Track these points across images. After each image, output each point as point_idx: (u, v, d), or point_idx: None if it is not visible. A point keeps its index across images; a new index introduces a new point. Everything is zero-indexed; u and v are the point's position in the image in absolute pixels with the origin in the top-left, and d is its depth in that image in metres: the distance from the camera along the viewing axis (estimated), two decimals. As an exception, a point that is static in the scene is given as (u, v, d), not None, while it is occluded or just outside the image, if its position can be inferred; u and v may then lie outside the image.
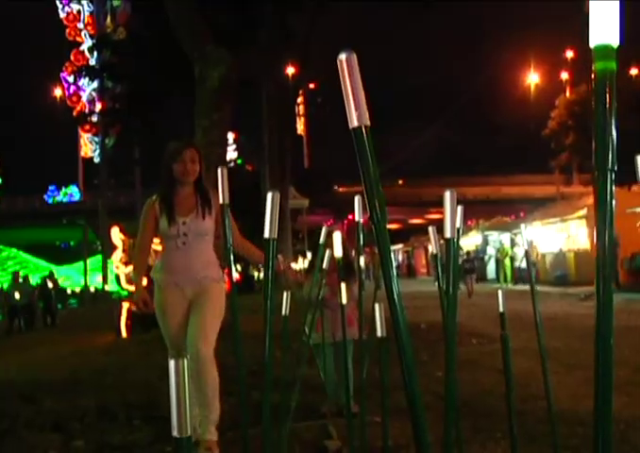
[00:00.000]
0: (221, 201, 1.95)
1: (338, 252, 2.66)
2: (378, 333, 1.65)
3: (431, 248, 1.71)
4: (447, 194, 1.26)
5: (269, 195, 1.39)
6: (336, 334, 4.55)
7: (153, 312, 4.30)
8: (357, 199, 2.18)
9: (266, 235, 1.35)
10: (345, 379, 2.87)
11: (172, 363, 0.72)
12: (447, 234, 1.15)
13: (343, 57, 0.72)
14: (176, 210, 4.22)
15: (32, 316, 21.08)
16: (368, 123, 0.70)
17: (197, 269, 4.21)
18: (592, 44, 0.70)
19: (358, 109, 0.70)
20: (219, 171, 1.99)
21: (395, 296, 0.76)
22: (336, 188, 47.59)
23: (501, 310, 1.97)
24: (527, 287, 18.34)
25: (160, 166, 4.40)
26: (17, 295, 20.11)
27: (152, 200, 4.33)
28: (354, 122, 0.70)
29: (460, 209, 1.46)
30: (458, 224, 1.41)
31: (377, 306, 1.67)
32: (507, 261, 27.18)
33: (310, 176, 42.08)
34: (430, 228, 1.76)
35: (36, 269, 54.68)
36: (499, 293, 2.07)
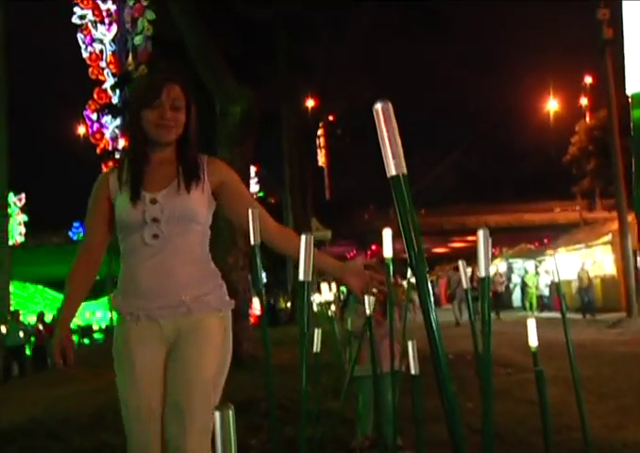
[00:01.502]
0: (252, 242, 1.92)
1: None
2: (412, 370, 1.65)
3: (463, 282, 1.72)
4: (481, 234, 1.26)
5: (303, 238, 1.39)
6: (381, 366, 4.54)
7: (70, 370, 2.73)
8: (386, 233, 2.16)
9: (301, 277, 1.34)
10: (382, 412, 2.85)
11: (217, 415, 0.70)
12: (482, 273, 1.15)
13: (378, 106, 0.73)
14: (142, 182, 2.57)
15: (22, 359, 18.97)
16: (405, 171, 0.72)
17: (182, 284, 2.53)
18: (629, 92, 0.72)
19: (395, 157, 0.71)
20: (250, 212, 1.97)
21: (435, 332, 0.77)
22: (367, 216, 47.62)
23: (534, 344, 1.95)
24: (552, 314, 18.28)
25: (127, 120, 2.90)
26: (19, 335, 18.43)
27: (106, 172, 2.72)
28: (392, 170, 0.72)
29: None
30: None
31: (409, 343, 1.67)
32: (534, 289, 26.97)
33: (331, 208, 42.18)
34: (460, 262, 1.77)
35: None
36: (530, 323, 2.06)
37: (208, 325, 2.54)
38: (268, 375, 1.78)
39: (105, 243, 2.73)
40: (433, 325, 0.75)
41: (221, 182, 2.64)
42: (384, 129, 0.72)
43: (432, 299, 0.75)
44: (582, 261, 23.67)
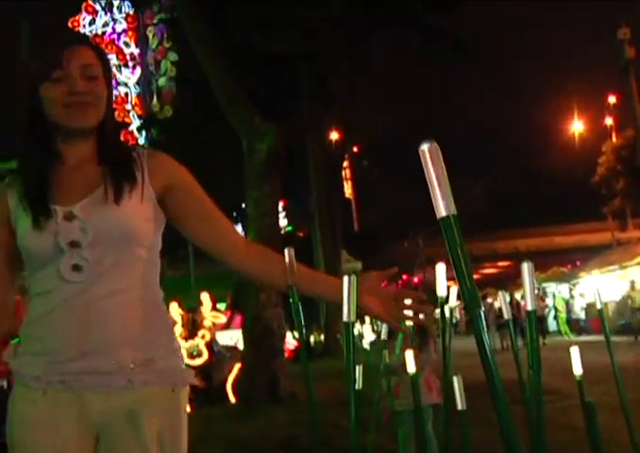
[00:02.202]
0: (289, 282, 1.74)
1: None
2: (459, 406, 1.64)
3: (504, 313, 1.71)
4: (525, 267, 1.24)
5: (345, 279, 1.33)
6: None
7: None
8: (439, 268, 2.04)
9: (345, 319, 1.24)
10: (424, 446, 2.83)
11: None
12: (529, 306, 1.15)
13: (425, 147, 0.74)
14: (51, 191, 1.73)
15: None
16: (455, 212, 0.73)
17: (121, 339, 1.70)
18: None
19: (445, 198, 0.72)
20: (286, 252, 1.78)
21: (492, 365, 0.76)
22: (406, 245, 47.48)
23: (578, 372, 1.92)
24: (590, 337, 17.99)
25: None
26: None
27: (3, 185, 1.85)
28: (442, 212, 0.73)
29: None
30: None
31: (455, 379, 1.65)
32: (563, 313, 26.65)
33: (361, 239, 42.17)
34: (500, 293, 1.77)
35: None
36: (573, 351, 2.03)
37: (159, 408, 1.70)
38: (312, 413, 1.77)
39: (9, 286, 1.83)
40: (489, 357, 0.75)
41: (168, 185, 1.81)
42: (432, 171, 0.73)
43: (486, 332, 0.75)
44: (632, 280, 23.06)
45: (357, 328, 12.69)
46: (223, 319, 13.85)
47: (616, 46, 20.72)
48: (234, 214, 27.53)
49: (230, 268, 1.92)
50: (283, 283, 1.86)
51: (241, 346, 12.52)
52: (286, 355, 11.85)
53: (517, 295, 22.75)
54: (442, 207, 0.73)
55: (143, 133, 34.35)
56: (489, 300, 22.54)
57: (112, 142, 1.83)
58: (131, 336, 1.69)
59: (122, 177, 1.75)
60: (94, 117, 1.75)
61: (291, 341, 19.23)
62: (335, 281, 1.81)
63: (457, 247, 0.72)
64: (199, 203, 1.88)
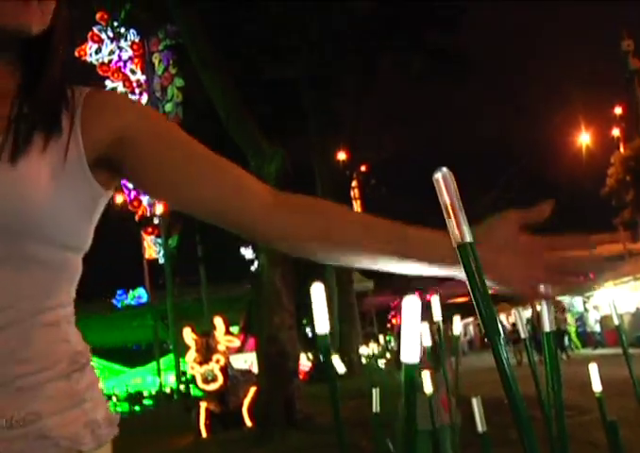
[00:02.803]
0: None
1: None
2: (479, 428, 1.62)
3: (521, 331, 1.71)
4: (541, 287, 1.24)
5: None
6: (435, 419, 4.43)
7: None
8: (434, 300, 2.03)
9: (405, 355, 0.94)
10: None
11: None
12: (546, 328, 1.14)
13: (438, 176, 0.73)
14: None
15: None
16: (472, 239, 0.73)
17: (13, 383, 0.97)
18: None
19: (460, 226, 0.72)
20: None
21: (513, 387, 0.76)
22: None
23: (598, 389, 1.90)
24: (606, 351, 17.86)
25: None
26: None
27: None
28: (458, 239, 0.73)
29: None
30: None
31: (474, 400, 1.64)
32: (573, 327, 26.51)
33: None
34: (514, 311, 1.76)
35: (111, 373, 55.54)
36: (592, 367, 2.01)
37: None
38: (340, 434, 1.76)
39: None
40: (510, 381, 0.75)
41: (115, 135, 1.07)
42: (447, 199, 0.73)
43: (508, 356, 0.75)
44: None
45: (371, 348, 12.64)
46: (237, 343, 13.85)
47: (621, 57, 20.78)
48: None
49: (258, 240, 1.19)
50: (370, 250, 1.12)
51: (255, 370, 12.50)
52: (300, 377, 11.82)
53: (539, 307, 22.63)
54: (458, 234, 0.73)
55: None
56: (501, 317, 22.39)
57: (47, 69, 1.06)
58: (4, 382, 0.98)
59: (35, 123, 1.02)
60: (39, 20, 1.01)
61: (305, 362, 19.16)
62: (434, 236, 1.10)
63: (475, 275, 0.72)
64: (180, 147, 1.13)
